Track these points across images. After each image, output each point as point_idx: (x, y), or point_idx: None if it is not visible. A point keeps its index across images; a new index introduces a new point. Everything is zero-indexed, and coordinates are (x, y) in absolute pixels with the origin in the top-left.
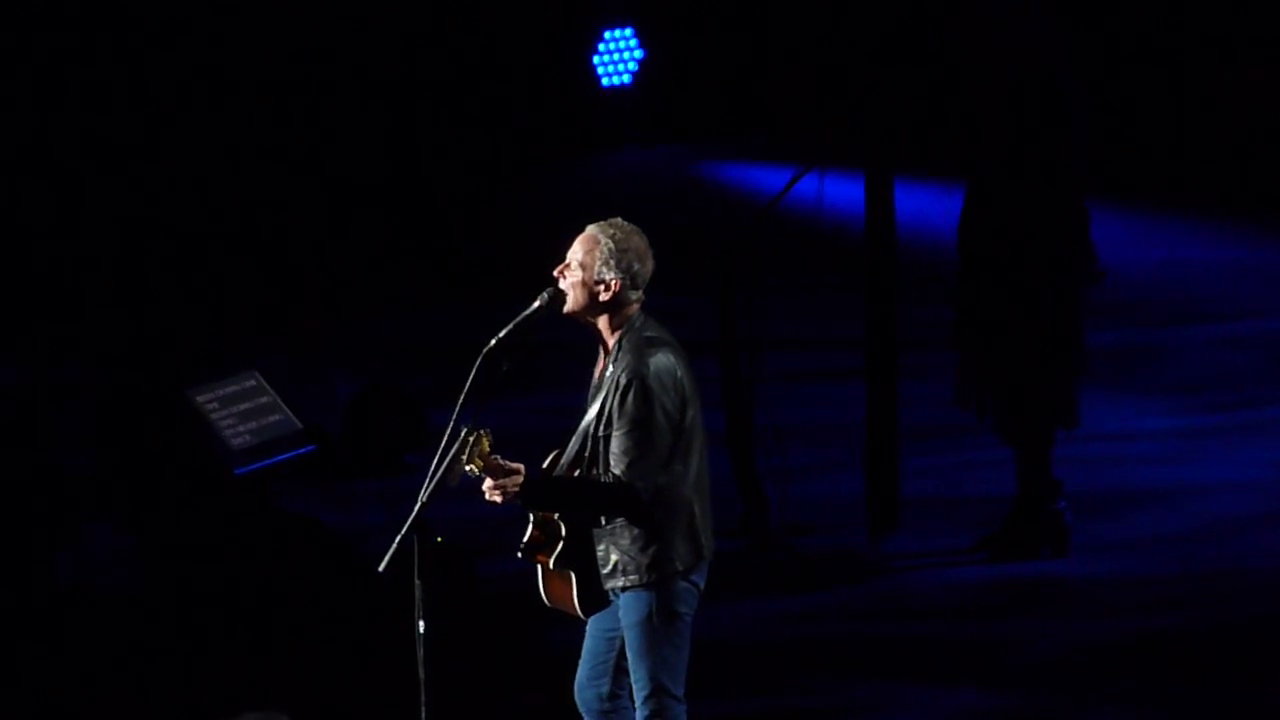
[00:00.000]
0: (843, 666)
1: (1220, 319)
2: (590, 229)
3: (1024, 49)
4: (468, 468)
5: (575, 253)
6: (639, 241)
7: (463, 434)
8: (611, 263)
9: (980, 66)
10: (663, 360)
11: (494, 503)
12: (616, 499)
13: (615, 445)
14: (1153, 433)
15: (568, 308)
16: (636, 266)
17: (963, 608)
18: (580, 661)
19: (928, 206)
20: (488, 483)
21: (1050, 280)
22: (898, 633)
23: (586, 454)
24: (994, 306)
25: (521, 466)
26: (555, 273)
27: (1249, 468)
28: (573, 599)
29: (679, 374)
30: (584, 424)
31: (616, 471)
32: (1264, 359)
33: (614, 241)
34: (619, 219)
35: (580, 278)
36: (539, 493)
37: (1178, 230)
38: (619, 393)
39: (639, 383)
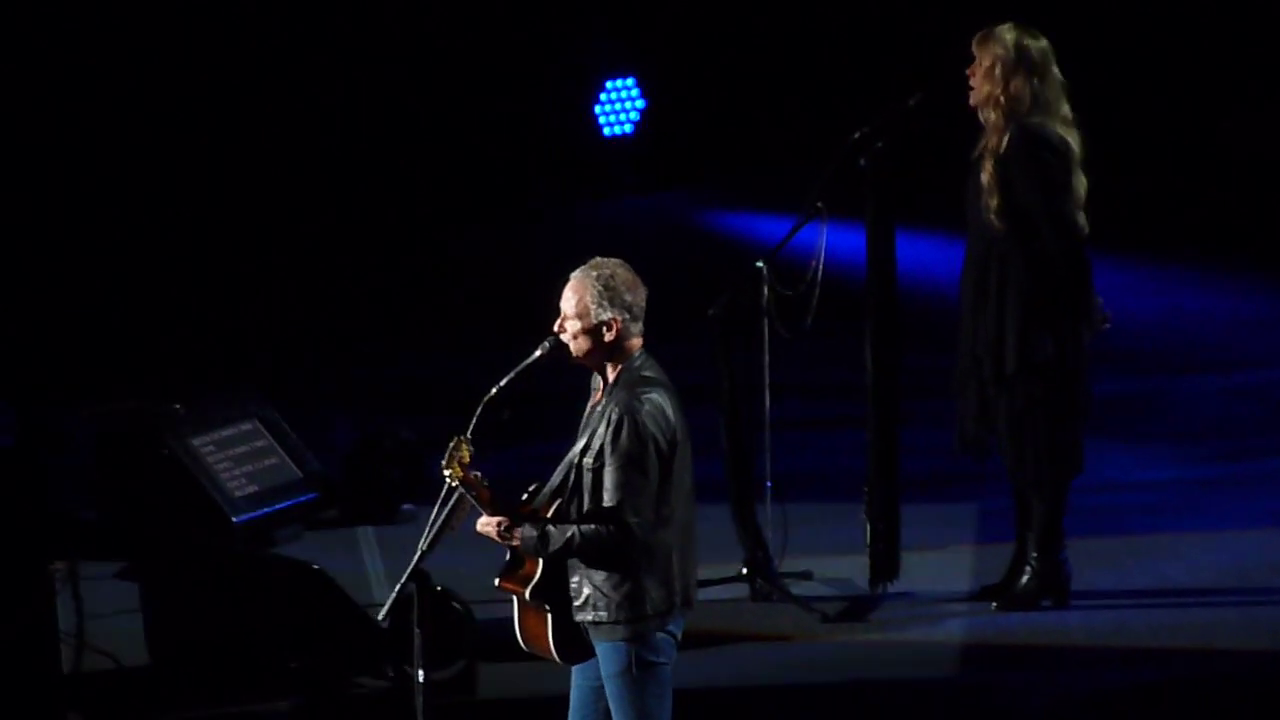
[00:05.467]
0: (843, 716)
1: (1221, 368)
2: (574, 276)
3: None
4: (445, 472)
5: (568, 303)
6: (625, 273)
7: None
8: (605, 302)
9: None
10: (656, 399)
11: (487, 535)
12: (612, 537)
13: (609, 480)
14: (1154, 483)
15: (575, 357)
16: (629, 298)
17: (964, 657)
18: (569, 714)
19: (929, 256)
20: (482, 520)
21: (1053, 327)
22: (899, 681)
23: (570, 485)
24: (996, 353)
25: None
26: (555, 328)
27: (1250, 518)
28: (548, 639)
29: (670, 415)
30: (570, 455)
31: (610, 506)
32: (1265, 409)
33: (601, 281)
34: (598, 258)
35: (579, 326)
36: (531, 537)
37: (1178, 279)
38: (611, 428)
39: (631, 418)
